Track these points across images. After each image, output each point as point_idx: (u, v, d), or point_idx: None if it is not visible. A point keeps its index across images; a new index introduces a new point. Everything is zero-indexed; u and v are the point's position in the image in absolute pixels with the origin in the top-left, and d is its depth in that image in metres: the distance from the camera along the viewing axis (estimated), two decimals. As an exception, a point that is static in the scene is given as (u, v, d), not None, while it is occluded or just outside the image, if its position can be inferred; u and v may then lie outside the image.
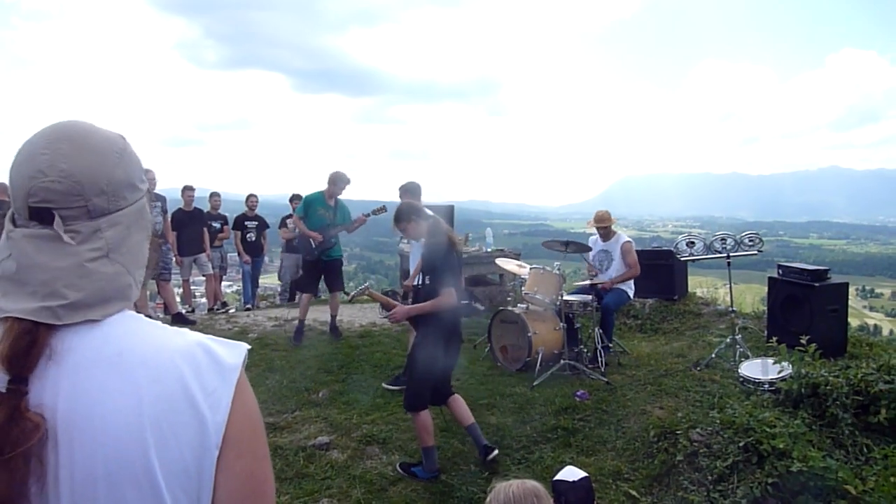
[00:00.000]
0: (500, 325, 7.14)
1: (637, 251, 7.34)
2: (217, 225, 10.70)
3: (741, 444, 4.20)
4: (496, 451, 4.63)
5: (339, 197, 8.00)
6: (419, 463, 4.62)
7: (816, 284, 6.43)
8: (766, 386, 5.38)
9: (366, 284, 5.74)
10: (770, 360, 5.64)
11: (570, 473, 3.19)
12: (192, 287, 11.12)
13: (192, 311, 10.79)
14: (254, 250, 11.07)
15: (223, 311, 10.33)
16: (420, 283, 4.70)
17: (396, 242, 10.64)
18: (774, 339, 5.88)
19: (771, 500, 3.92)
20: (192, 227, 9.72)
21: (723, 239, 6.71)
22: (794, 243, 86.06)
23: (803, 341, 5.41)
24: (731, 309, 6.99)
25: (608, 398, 5.81)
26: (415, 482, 4.50)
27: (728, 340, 6.56)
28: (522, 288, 7.23)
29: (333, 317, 8.39)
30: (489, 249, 9.83)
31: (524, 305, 7.18)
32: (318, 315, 8.92)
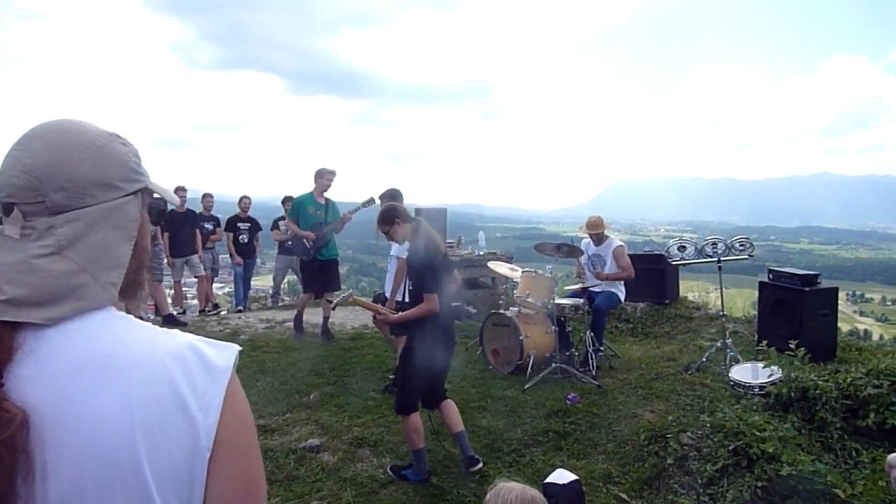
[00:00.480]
0: (492, 328, 7.15)
1: (629, 255, 7.36)
2: (209, 226, 10.66)
3: (731, 448, 4.22)
4: (480, 465, 4.60)
5: (329, 196, 8.10)
6: (410, 466, 4.61)
7: (806, 289, 6.46)
8: (756, 390, 5.41)
9: (349, 292, 5.73)
10: (760, 365, 5.67)
11: (561, 476, 3.20)
12: (183, 289, 11.08)
13: (184, 312, 10.75)
14: (246, 252, 11.03)
15: (214, 312, 10.29)
16: (407, 288, 4.69)
17: (390, 245, 10.63)
18: (764, 343, 5.91)
19: (760, 503, 3.94)
20: (184, 228, 9.68)
21: (714, 243, 6.75)
22: (786, 248, 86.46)
23: (792, 345, 5.44)
24: (721, 313, 7.02)
25: (599, 401, 5.82)
26: (406, 485, 4.50)
27: (719, 344, 6.59)
28: (514, 291, 7.24)
29: (326, 318, 8.42)
30: (481, 252, 9.84)
31: (516, 309, 7.19)
32: (310, 318, 8.92)
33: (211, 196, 11.21)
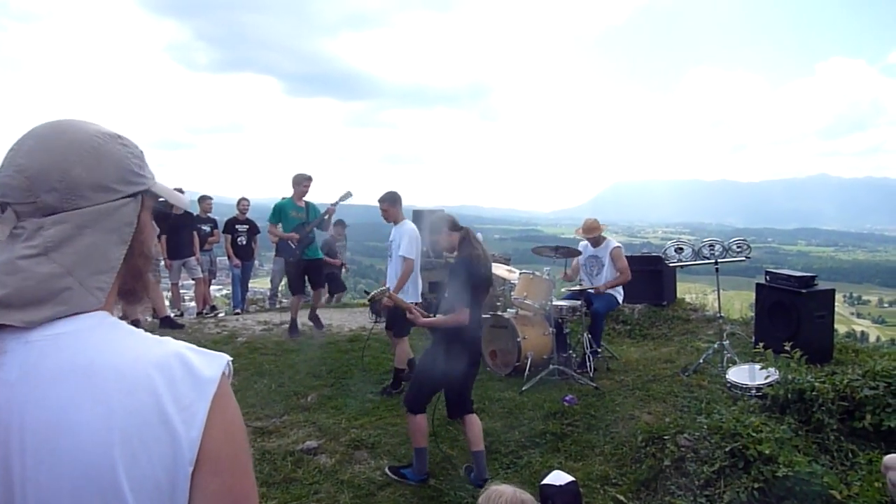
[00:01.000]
0: (489, 329, 7.15)
1: (626, 257, 7.37)
2: (207, 228, 10.66)
3: (728, 450, 4.22)
4: (488, 483, 4.54)
5: (309, 200, 8.40)
6: (408, 465, 4.62)
7: (803, 291, 6.48)
8: (753, 391, 5.42)
9: (387, 286, 5.75)
10: (757, 366, 5.68)
11: (557, 478, 3.21)
12: (181, 291, 11.07)
13: (181, 314, 10.74)
14: (244, 254, 11.02)
15: (212, 314, 10.28)
16: (439, 293, 4.68)
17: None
18: (761, 345, 5.92)
19: (757, 504, 3.94)
20: (181, 230, 9.67)
21: (711, 245, 6.76)
22: (783, 250, 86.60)
23: (787, 347, 5.45)
24: (719, 315, 7.03)
25: (596, 403, 5.82)
26: (403, 487, 4.50)
27: (716, 346, 6.59)
28: (512, 293, 7.25)
29: (314, 307, 8.87)
30: (479, 254, 9.83)
31: (514, 310, 7.20)
32: (305, 319, 8.92)
33: (210, 198, 11.20)
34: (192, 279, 10.28)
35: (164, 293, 10.06)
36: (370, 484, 4.55)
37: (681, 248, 6.93)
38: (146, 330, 1.01)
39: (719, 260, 6.70)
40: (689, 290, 10.44)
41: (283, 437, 5.30)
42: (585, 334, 6.88)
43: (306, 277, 8.55)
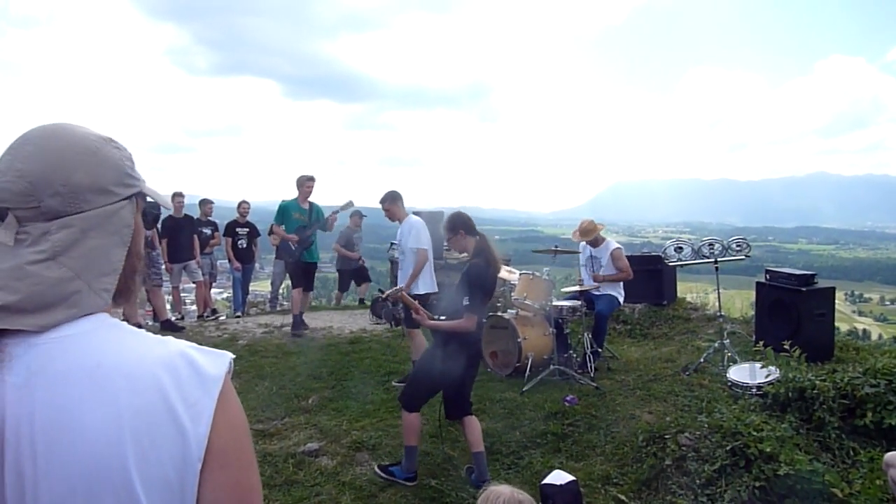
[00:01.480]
0: (490, 330, 7.15)
1: (626, 257, 7.37)
2: (207, 231, 10.67)
3: (729, 448, 4.22)
4: (489, 483, 4.51)
5: (313, 201, 8.67)
6: (398, 463, 4.62)
7: (803, 289, 6.48)
8: (754, 390, 5.42)
9: (400, 286, 5.77)
10: (758, 365, 5.68)
11: (558, 477, 3.21)
12: (181, 294, 11.07)
13: (182, 318, 10.74)
14: (245, 257, 11.03)
15: (213, 318, 10.29)
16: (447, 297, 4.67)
17: (386, 249, 10.70)
18: (761, 343, 5.92)
19: (758, 503, 3.94)
20: (182, 233, 9.68)
21: (711, 244, 6.76)
22: (784, 248, 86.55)
23: (786, 346, 5.45)
24: (719, 314, 7.03)
25: (597, 403, 5.82)
26: (404, 488, 4.50)
27: (716, 345, 6.60)
28: (512, 293, 7.25)
29: (300, 312, 9.07)
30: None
31: (514, 311, 7.20)
32: (310, 321, 8.93)
33: (210, 202, 11.21)
34: (193, 282, 10.29)
35: (165, 296, 10.06)
36: (371, 485, 4.55)
37: (680, 248, 6.93)
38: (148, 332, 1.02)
39: (719, 259, 6.70)
40: (689, 290, 10.44)
41: (285, 439, 5.30)
42: (586, 334, 6.88)
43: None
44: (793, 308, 6.52)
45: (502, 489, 2.22)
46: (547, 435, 5.25)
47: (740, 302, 10.73)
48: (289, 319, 8.98)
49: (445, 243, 4.87)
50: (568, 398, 5.87)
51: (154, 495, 0.89)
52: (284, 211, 8.52)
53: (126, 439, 0.87)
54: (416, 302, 4.69)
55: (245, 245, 10.96)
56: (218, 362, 0.99)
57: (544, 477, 3.32)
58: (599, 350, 6.94)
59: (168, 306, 9.90)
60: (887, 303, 56.92)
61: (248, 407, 5.92)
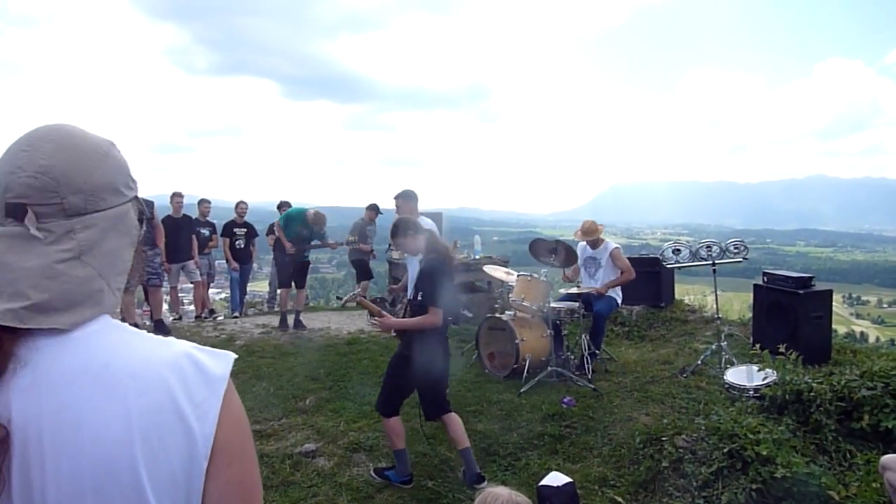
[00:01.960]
0: (487, 332, 7.15)
1: (625, 258, 7.37)
2: (206, 232, 10.66)
3: (726, 451, 4.22)
4: (486, 483, 4.39)
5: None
6: (393, 466, 4.62)
7: (801, 292, 6.48)
8: (751, 392, 5.42)
9: (357, 290, 5.73)
10: (755, 367, 5.68)
11: (555, 479, 3.21)
12: (179, 294, 11.06)
13: (180, 318, 10.74)
14: (242, 257, 11.03)
15: (211, 318, 10.28)
16: (412, 297, 4.66)
17: (385, 250, 10.70)
18: (758, 345, 5.93)
19: (755, 505, 3.94)
20: (180, 233, 9.67)
21: (708, 246, 6.76)
22: (782, 251, 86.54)
23: (782, 349, 5.46)
24: (717, 316, 7.03)
25: (595, 405, 5.83)
26: (401, 489, 4.50)
27: (714, 347, 6.60)
28: (510, 295, 7.25)
29: (298, 311, 9.31)
30: (477, 256, 9.86)
31: (512, 312, 7.20)
32: (309, 322, 8.92)
33: (208, 202, 11.20)
34: (191, 282, 10.29)
35: (164, 296, 10.06)
36: (368, 486, 4.55)
37: (678, 250, 6.94)
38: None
39: (717, 261, 6.71)
40: (687, 292, 10.45)
41: (282, 440, 5.30)
42: (584, 336, 6.88)
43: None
44: (790, 310, 6.53)
45: (500, 491, 2.21)
46: (544, 436, 5.25)
47: (738, 304, 10.74)
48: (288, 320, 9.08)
49: (392, 246, 4.92)
50: (565, 400, 5.87)
51: (162, 494, 0.90)
52: (289, 220, 8.98)
53: (135, 439, 0.88)
54: (374, 305, 4.72)
55: (243, 245, 10.96)
56: (222, 362, 1.01)
57: (541, 479, 3.31)
58: (597, 352, 6.94)
59: (166, 306, 9.89)
60: (885, 305, 56.96)
61: (245, 407, 5.87)
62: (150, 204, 8.56)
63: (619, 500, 4.29)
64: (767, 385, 5.24)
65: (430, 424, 4.90)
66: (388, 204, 7.33)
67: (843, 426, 4.73)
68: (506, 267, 8.83)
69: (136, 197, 1.08)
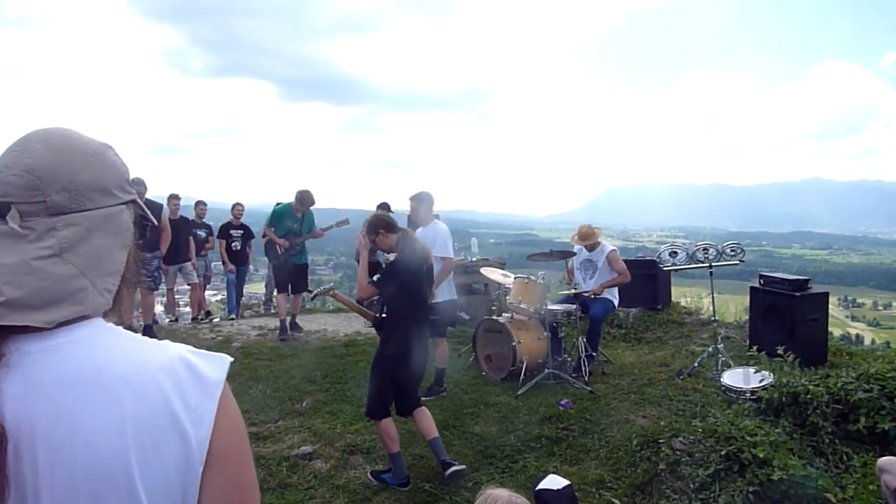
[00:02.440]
0: (484, 334, 7.15)
1: (622, 260, 7.37)
2: (202, 234, 10.63)
3: (723, 453, 4.22)
4: (456, 467, 4.52)
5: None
6: (390, 469, 4.62)
7: (797, 294, 6.50)
8: (748, 395, 5.43)
9: (330, 285, 5.76)
10: (751, 370, 5.69)
11: (554, 482, 3.21)
12: (175, 296, 11.03)
13: (176, 320, 10.71)
14: (239, 259, 11.00)
15: (207, 320, 10.26)
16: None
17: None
18: (755, 348, 5.94)
19: (752, 508, 3.94)
20: (177, 235, 9.63)
21: (705, 249, 6.77)
22: (778, 253, 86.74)
23: (780, 351, 5.47)
24: (713, 318, 7.04)
25: (592, 407, 5.83)
26: (398, 492, 4.49)
27: (710, 350, 6.61)
28: (507, 297, 7.25)
29: (294, 315, 9.15)
30: (474, 259, 9.86)
31: (509, 314, 7.20)
32: (305, 324, 8.90)
33: (204, 203, 11.18)
34: (188, 284, 10.25)
35: (159, 298, 10.01)
36: (365, 489, 4.54)
37: (675, 252, 6.95)
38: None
39: (713, 263, 6.71)
40: (683, 294, 10.47)
41: (278, 442, 5.28)
42: (581, 338, 6.88)
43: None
44: (786, 313, 6.54)
45: (500, 493, 2.20)
46: (541, 439, 5.25)
47: (734, 307, 10.75)
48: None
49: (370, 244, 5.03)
50: (562, 402, 5.87)
51: (157, 498, 0.90)
52: (278, 216, 8.71)
53: (129, 444, 0.88)
54: (349, 298, 4.78)
55: (239, 247, 10.93)
56: (217, 366, 1.01)
57: (538, 481, 3.31)
58: (594, 354, 6.95)
59: (162, 308, 9.84)
60: (880, 308, 57.11)
61: (241, 409, 5.81)
62: (158, 207, 8.49)
63: (617, 502, 4.29)
64: (764, 387, 5.25)
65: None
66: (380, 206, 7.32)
67: (840, 428, 4.74)
68: (503, 269, 8.83)
69: (135, 201, 1.08)
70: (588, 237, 7.24)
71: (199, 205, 11.07)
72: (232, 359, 1.05)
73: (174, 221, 9.63)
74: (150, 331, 8.53)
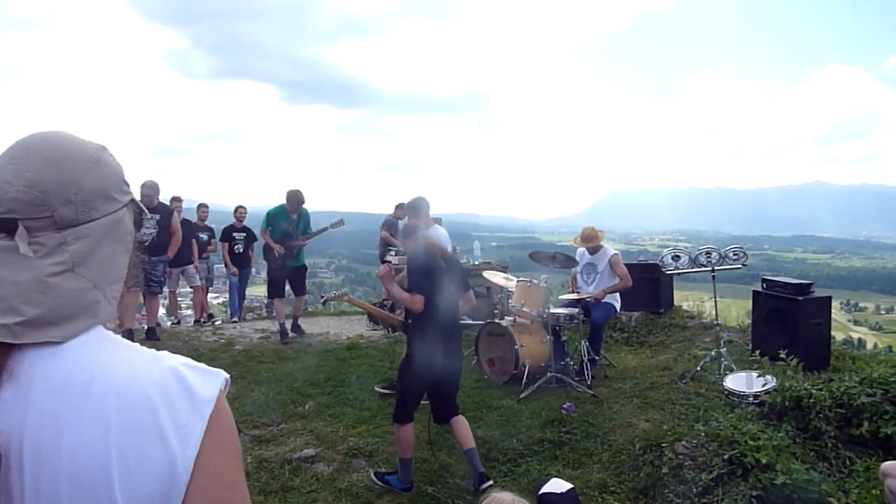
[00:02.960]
0: (487, 337, 7.15)
1: (624, 264, 7.36)
2: (204, 236, 10.65)
3: (726, 457, 4.21)
4: (490, 483, 4.42)
5: (305, 207, 8.75)
6: (395, 472, 4.62)
7: (800, 298, 6.49)
8: (751, 399, 5.42)
9: (344, 290, 5.76)
10: (754, 374, 5.68)
11: (557, 486, 3.20)
12: (178, 299, 11.05)
13: (178, 322, 10.73)
14: (241, 262, 11.02)
15: (209, 323, 10.27)
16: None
17: (383, 254, 10.69)
18: (758, 352, 5.93)
19: (755, 512, 3.94)
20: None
21: (708, 253, 6.77)
22: (780, 257, 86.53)
23: (783, 355, 5.46)
24: (716, 322, 7.04)
25: (594, 411, 5.82)
26: (401, 495, 4.50)
27: (713, 353, 6.60)
28: (509, 301, 7.24)
29: (296, 317, 9.21)
30: (476, 262, 9.86)
31: (511, 318, 7.19)
32: (307, 327, 8.91)
33: (206, 206, 11.21)
34: (191, 287, 10.28)
35: (161, 301, 10.02)
36: (368, 492, 4.54)
37: (678, 256, 6.94)
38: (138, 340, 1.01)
39: (716, 267, 6.71)
40: (686, 298, 10.46)
41: (281, 445, 5.28)
42: (583, 342, 6.87)
43: (287, 284, 8.91)
44: (789, 317, 6.53)
45: (504, 496, 2.20)
46: (544, 442, 5.25)
47: (736, 310, 10.73)
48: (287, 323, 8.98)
49: (394, 251, 5.11)
50: (565, 406, 5.87)
51: None
52: (272, 219, 8.65)
53: (112, 456, 0.86)
54: (364, 302, 4.77)
55: (241, 250, 10.94)
56: (211, 382, 0.98)
57: (541, 485, 3.31)
58: (596, 358, 6.94)
59: (163, 311, 9.86)
60: (883, 312, 56.95)
61: (244, 413, 5.92)
62: (169, 211, 8.46)
63: (619, 506, 4.28)
64: (767, 391, 5.24)
65: (434, 431, 4.89)
66: (383, 208, 7.35)
67: (843, 433, 4.72)
68: (505, 272, 8.83)
69: (133, 200, 1.07)
70: (591, 239, 7.22)
71: (202, 207, 11.10)
72: (228, 376, 1.02)
73: (176, 224, 9.64)
74: (153, 333, 8.53)
